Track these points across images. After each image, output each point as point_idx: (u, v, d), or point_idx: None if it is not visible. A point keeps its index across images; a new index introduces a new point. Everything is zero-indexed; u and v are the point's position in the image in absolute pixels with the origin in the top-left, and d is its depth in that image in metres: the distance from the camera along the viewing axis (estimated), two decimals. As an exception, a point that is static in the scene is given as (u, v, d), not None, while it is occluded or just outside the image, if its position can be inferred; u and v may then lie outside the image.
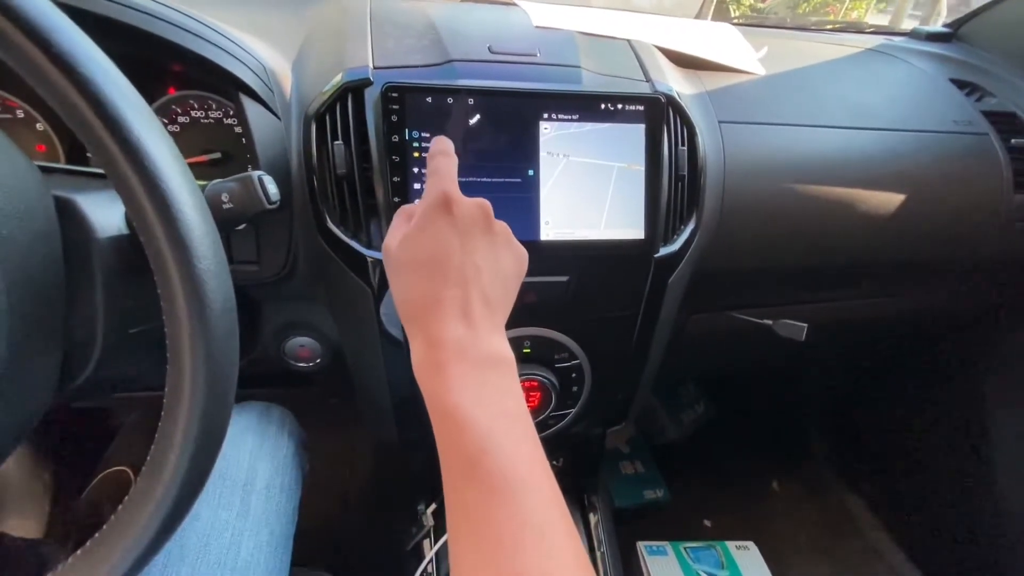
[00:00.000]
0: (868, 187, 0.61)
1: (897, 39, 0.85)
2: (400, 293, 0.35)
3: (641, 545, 0.90)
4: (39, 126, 0.50)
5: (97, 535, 0.28)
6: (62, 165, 0.48)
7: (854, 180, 0.61)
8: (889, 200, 0.62)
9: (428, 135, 0.45)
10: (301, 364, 0.58)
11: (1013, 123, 0.70)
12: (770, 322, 0.63)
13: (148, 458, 0.27)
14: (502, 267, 0.36)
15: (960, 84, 0.73)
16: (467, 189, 0.46)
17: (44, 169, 0.34)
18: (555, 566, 0.26)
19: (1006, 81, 0.75)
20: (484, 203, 0.36)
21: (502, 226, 0.37)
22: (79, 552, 0.28)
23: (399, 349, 0.52)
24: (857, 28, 0.98)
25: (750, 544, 0.92)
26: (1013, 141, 0.67)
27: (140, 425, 0.83)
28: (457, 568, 0.28)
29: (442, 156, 0.38)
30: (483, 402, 0.30)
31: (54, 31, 0.23)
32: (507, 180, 0.47)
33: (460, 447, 0.29)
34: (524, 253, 0.38)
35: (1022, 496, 0.83)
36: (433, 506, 0.64)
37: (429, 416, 0.31)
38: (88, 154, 0.51)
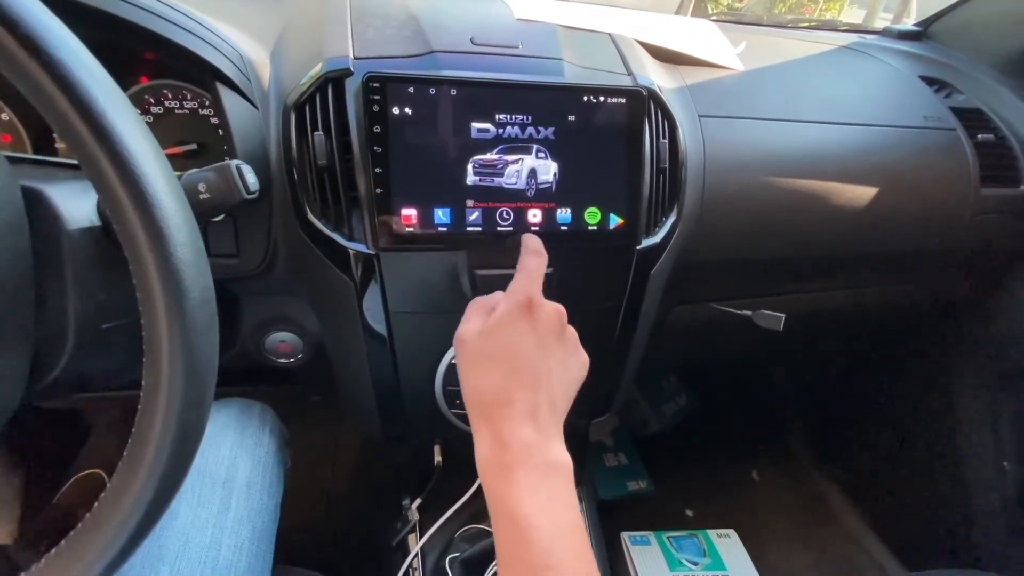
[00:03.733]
0: (842, 180, 0.62)
1: (869, 37, 0.87)
2: (471, 383, 0.36)
3: (625, 536, 0.91)
4: (3, 115, 0.48)
5: (71, 534, 0.27)
6: (29, 155, 0.47)
7: (829, 174, 0.62)
8: (862, 193, 0.63)
9: (410, 126, 0.45)
10: (282, 360, 0.57)
11: (980, 119, 0.72)
12: (749, 313, 0.64)
13: (124, 454, 0.27)
14: (569, 373, 0.37)
15: (930, 81, 0.75)
16: (449, 181, 0.46)
17: (10, 159, 0.32)
18: None
19: (973, 78, 0.78)
20: (561, 310, 0.38)
21: (572, 333, 0.39)
22: (52, 552, 0.27)
23: (382, 344, 0.52)
24: (831, 26, 1.01)
25: (731, 532, 0.94)
26: (979, 137, 0.70)
27: (114, 426, 0.80)
28: None
29: (534, 256, 0.40)
30: (548, 512, 0.31)
31: (21, 11, 0.22)
32: (489, 172, 0.47)
33: (525, 554, 0.30)
34: (587, 360, 0.39)
35: (990, 481, 0.86)
36: (418, 501, 0.64)
37: (490, 516, 0.32)
38: (56, 144, 0.49)
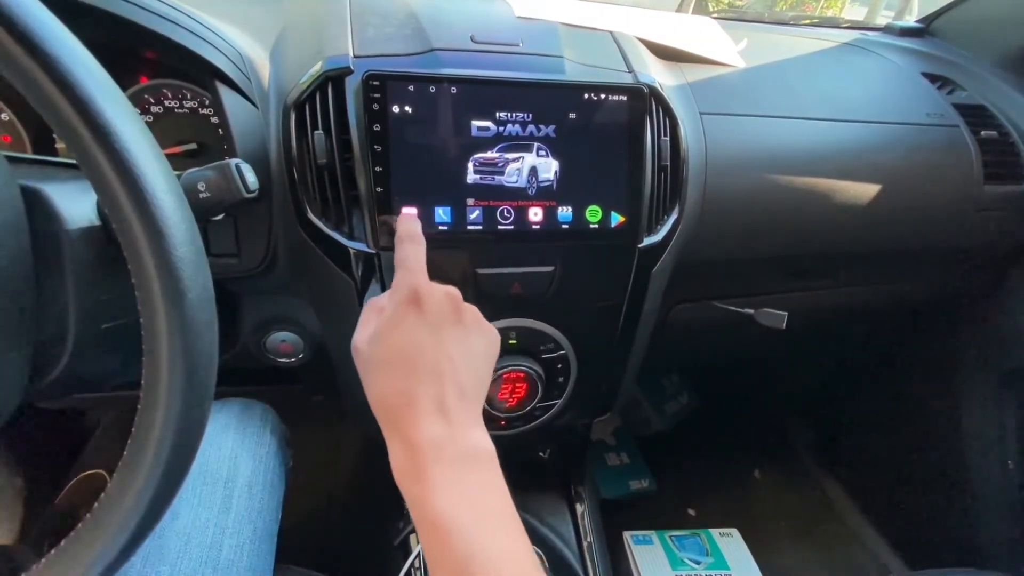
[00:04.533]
0: (844, 178, 0.62)
1: (871, 34, 0.87)
2: (373, 393, 0.34)
3: (627, 535, 0.91)
4: (3, 115, 0.48)
5: (72, 534, 0.27)
6: (29, 155, 0.47)
7: (831, 171, 0.62)
8: (865, 191, 0.63)
9: (411, 124, 0.45)
10: (283, 360, 0.57)
11: (982, 115, 0.72)
12: (751, 311, 0.64)
13: (124, 454, 0.27)
14: (474, 355, 0.36)
15: (932, 78, 0.75)
16: (449, 180, 0.46)
17: (10, 159, 0.32)
18: None
19: (975, 75, 0.78)
20: (452, 291, 0.36)
21: (471, 310, 0.37)
22: (53, 552, 0.27)
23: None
24: (833, 23, 1.00)
25: (733, 531, 0.94)
26: (983, 133, 0.69)
27: (116, 426, 0.81)
28: None
29: (409, 243, 0.38)
30: (466, 503, 0.30)
31: (19, 10, 0.22)
32: (490, 170, 0.47)
33: (446, 554, 0.28)
34: (495, 334, 0.38)
35: (994, 479, 0.86)
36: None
37: (414, 524, 0.31)
38: (56, 144, 0.49)
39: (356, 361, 0.36)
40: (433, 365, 0.33)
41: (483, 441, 0.33)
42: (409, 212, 0.44)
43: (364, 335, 0.35)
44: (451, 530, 0.29)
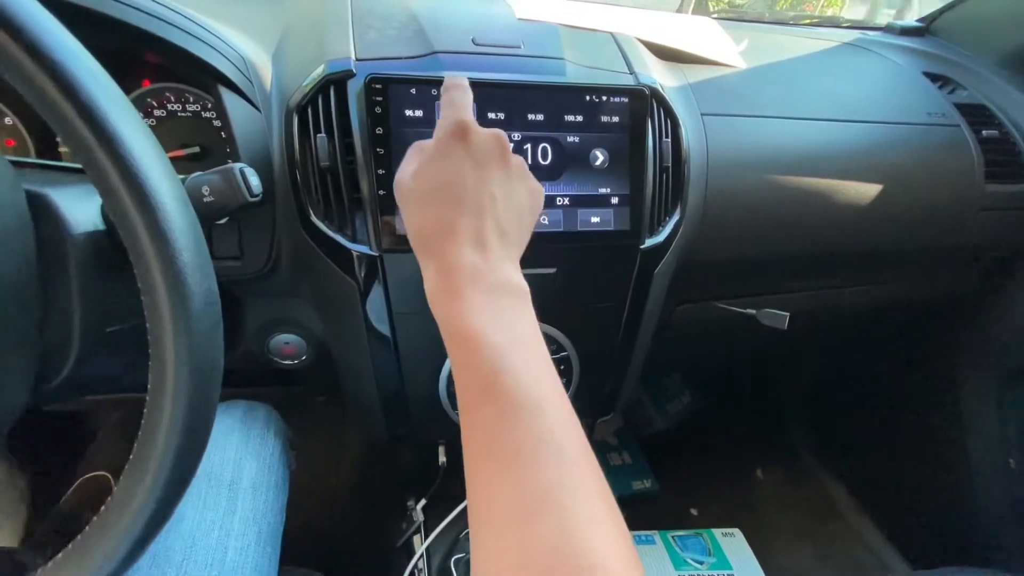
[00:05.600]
0: (846, 178, 0.62)
1: (872, 33, 0.87)
2: (413, 223, 0.34)
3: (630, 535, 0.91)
4: (7, 120, 0.48)
5: (79, 537, 0.27)
6: (33, 159, 0.47)
7: (832, 171, 0.62)
8: (866, 190, 0.63)
9: (413, 127, 0.45)
10: (286, 362, 0.57)
11: (984, 115, 0.72)
12: (753, 311, 0.64)
13: (131, 457, 0.27)
14: (517, 199, 0.35)
15: (933, 77, 0.75)
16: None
17: (14, 164, 0.33)
18: (573, 479, 0.26)
19: (976, 74, 0.78)
20: (500, 134, 0.35)
21: (518, 160, 0.36)
22: (60, 555, 0.27)
23: (386, 345, 0.52)
24: (833, 23, 1.00)
25: (735, 531, 0.94)
26: (984, 132, 0.69)
27: (120, 428, 0.81)
28: (474, 485, 0.27)
29: (456, 88, 0.37)
30: (498, 325, 0.30)
31: (24, 16, 0.22)
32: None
33: (476, 367, 0.29)
34: (540, 188, 0.38)
35: (996, 478, 0.86)
36: (423, 502, 0.64)
37: (443, 341, 0.31)
38: (60, 149, 0.50)
39: (397, 195, 0.36)
40: (475, 198, 0.33)
41: (518, 278, 0.33)
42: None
43: (408, 170, 0.35)
44: (480, 346, 0.29)
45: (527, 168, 0.37)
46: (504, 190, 0.34)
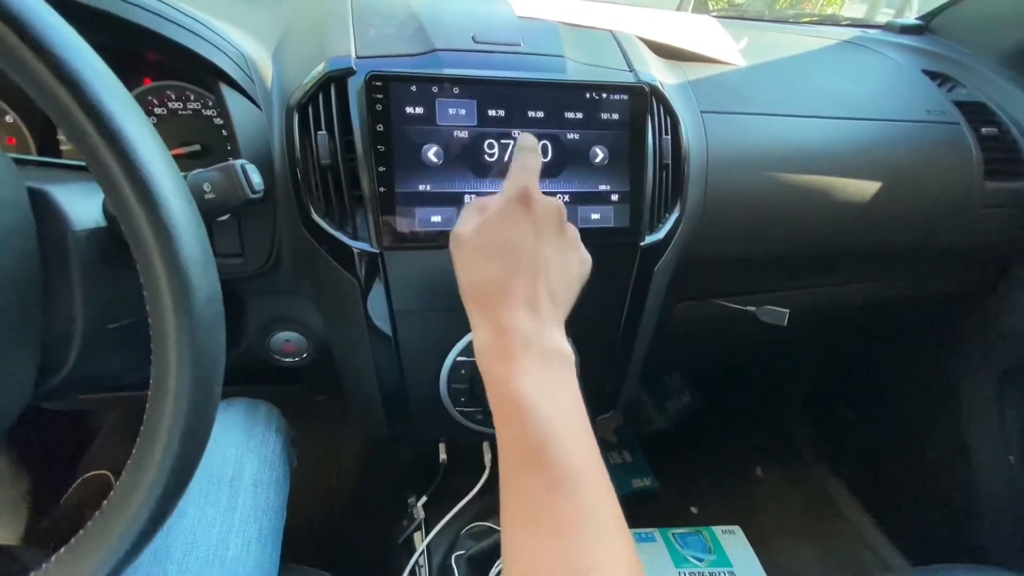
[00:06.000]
0: (845, 175, 0.62)
1: (872, 32, 0.87)
2: (469, 277, 0.36)
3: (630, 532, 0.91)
4: (8, 118, 0.48)
5: (81, 532, 0.27)
6: (35, 157, 0.47)
7: (832, 168, 0.62)
8: (866, 188, 0.63)
9: (413, 125, 0.45)
10: (287, 359, 0.57)
11: (983, 113, 0.72)
12: (753, 309, 0.64)
13: (133, 452, 0.27)
14: (568, 267, 0.37)
15: (932, 75, 0.75)
16: (452, 179, 0.46)
17: (17, 161, 0.33)
18: (611, 557, 0.27)
19: (976, 72, 0.78)
20: (560, 205, 0.37)
21: (572, 230, 0.38)
22: (62, 551, 0.27)
23: (387, 342, 0.52)
24: (833, 21, 1.00)
25: (736, 529, 0.94)
26: (983, 130, 0.69)
27: (121, 427, 0.81)
28: (513, 553, 0.28)
29: (529, 152, 0.39)
30: (547, 393, 0.31)
31: (28, 14, 0.22)
32: (493, 171, 0.47)
33: (524, 435, 0.29)
34: (589, 259, 0.39)
35: (996, 475, 0.86)
36: (424, 499, 0.64)
37: (489, 403, 0.32)
38: (61, 147, 0.50)
39: (455, 249, 0.37)
40: (532, 263, 0.34)
41: (565, 345, 0.34)
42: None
43: (469, 226, 0.36)
44: (531, 412, 0.30)
45: (579, 237, 0.39)
46: (558, 256, 0.36)
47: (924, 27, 0.89)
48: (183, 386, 0.26)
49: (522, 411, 0.30)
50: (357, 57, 0.47)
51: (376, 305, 0.50)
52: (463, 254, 0.36)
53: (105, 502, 0.27)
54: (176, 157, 0.49)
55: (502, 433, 0.31)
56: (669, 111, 0.53)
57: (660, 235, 0.53)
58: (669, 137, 0.53)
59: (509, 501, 0.29)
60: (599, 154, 0.50)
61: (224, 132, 0.50)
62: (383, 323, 0.51)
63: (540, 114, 0.48)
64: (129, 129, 0.24)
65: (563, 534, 0.27)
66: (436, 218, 0.46)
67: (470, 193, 0.47)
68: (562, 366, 0.33)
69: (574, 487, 0.28)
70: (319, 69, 0.46)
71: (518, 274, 0.34)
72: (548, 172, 0.48)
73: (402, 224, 0.46)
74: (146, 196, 0.24)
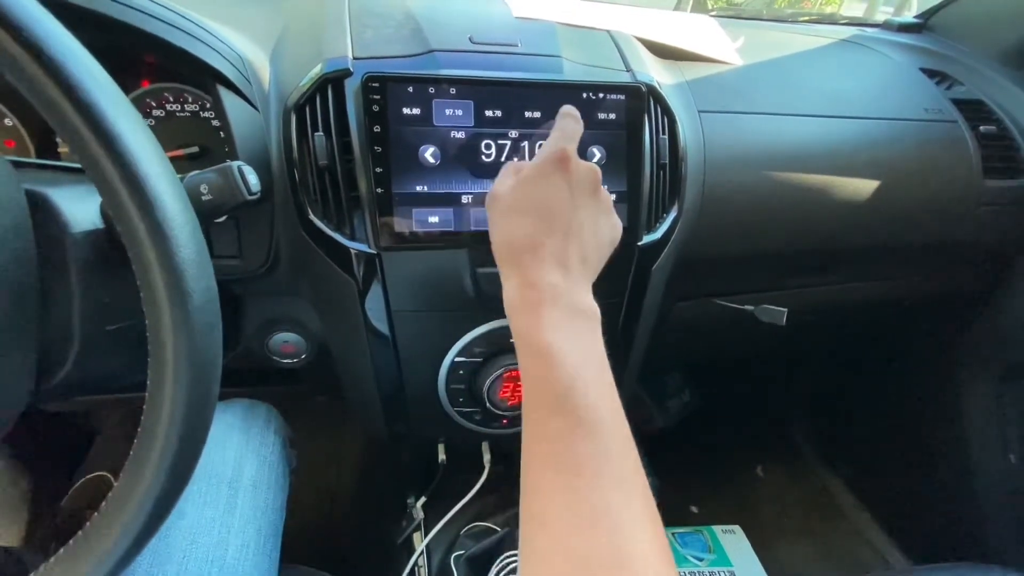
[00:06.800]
0: (844, 174, 0.62)
1: (870, 30, 0.87)
2: (502, 235, 0.36)
3: (630, 532, 0.91)
4: (7, 121, 0.48)
5: (79, 534, 0.27)
6: (33, 159, 0.47)
7: (830, 167, 0.62)
8: (864, 186, 0.63)
9: (410, 126, 0.45)
10: (286, 360, 0.57)
11: (981, 110, 0.72)
12: (752, 308, 0.64)
13: (131, 453, 0.27)
14: (600, 231, 0.37)
15: (930, 73, 0.75)
16: (449, 180, 0.46)
17: (14, 163, 0.33)
18: (629, 500, 0.27)
19: (973, 70, 0.78)
20: (596, 169, 0.37)
21: (606, 195, 0.39)
22: (61, 552, 0.27)
23: (385, 343, 0.52)
24: (831, 20, 1.00)
25: (736, 528, 0.94)
26: (981, 128, 0.69)
27: (120, 429, 0.81)
28: (534, 490, 0.29)
29: (570, 118, 0.40)
30: (574, 345, 0.31)
31: (24, 16, 0.22)
32: (490, 171, 0.47)
33: (549, 381, 0.30)
34: (620, 225, 0.40)
35: (996, 474, 0.86)
36: (423, 499, 0.64)
37: (516, 352, 0.33)
38: (59, 149, 0.50)
39: (491, 207, 0.37)
40: (565, 223, 0.35)
41: (593, 304, 0.34)
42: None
43: (505, 184, 0.37)
44: (556, 361, 0.30)
45: (612, 204, 0.39)
46: (591, 219, 0.37)
47: (922, 25, 0.89)
48: (180, 387, 0.26)
49: (548, 358, 0.30)
50: (354, 58, 0.47)
51: (374, 306, 0.50)
52: (497, 211, 0.37)
53: (103, 504, 0.27)
54: (174, 159, 0.50)
55: (526, 380, 0.32)
56: (666, 111, 0.53)
57: (658, 235, 0.53)
58: (666, 137, 0.53)
59: (531, 441, 0.30)
60: (596, 154, 0.50)
61: (222, 134, 0.51)
62: (381, 324, 0.51)
63: (537, 114, 0.48)
64: (124, 130, 0.24)
65: (582, 474, 0.27)
66: (433, 219, 0.46)
67: (467, 194, 0.47)
68: (590, 322, 0.33)
69: (596, 432, 0.28)
70: (316, 70, 0.46)
71: (551, 233, 0.34)
72: (545, 172, 0.48)
73: (399, 225, 0.46)
74: (141, 197, 0.24)
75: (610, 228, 0.39)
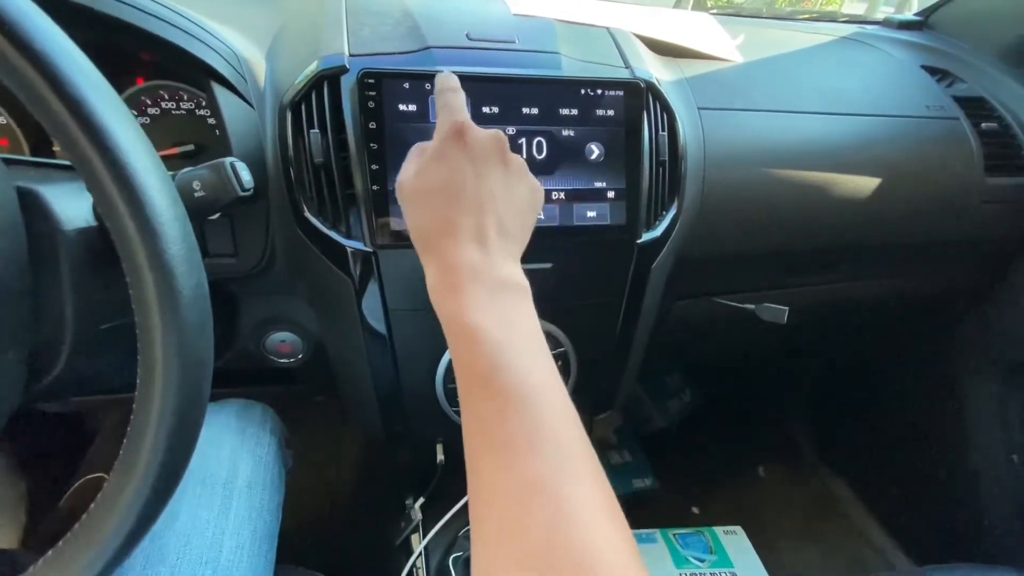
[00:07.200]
0: (844, 171, 0.62)
1: (870, 27, 0.87)
2: (415, 221, 0.35)
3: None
4: (1, 119, 0.48)
5: (68, 535, 0.27)
6: (25, 157, 0.47)
7: (831, 165, 0.61)
8: (865, 184, 0.63)
9: (407, 122, 0.45)
10: (282, 360, 0.57)
11: (982, 107, 0.71)
12: (752, 306, 0.64)
13: (120, 453, 0.27)
14: (517, 197, 0.36)
15: (931, 70, 0.74)
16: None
17: (6, 161, 0.32)
18: (568, 467, 0.26)
19: (975, 67, 0.77)
20: (499, 135, 0.36)
21: (517, 159, 0.37)
22: (50, 553, 0.27)
23: (382, 342, 0.52)
24: (831, 18, 1.00)
25: (738, 529, 0.94)
26: (983, 125, 0.69)
27: (118, 429, 0.80)
28: (473, 477, 0.28)
29: (449, 91, 0.38)
30: (497, 320, 0.30)
31: (12, 11, 0.22)
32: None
33: (475, 362, 0.29)
34: (539, 187, 0.38)
35: (1000, 474, 0.86)
36: (421, 500, 0.64)
37: (445, 336, 0.32)
38: (54, 148, 0.50)
39: (399, 195, 0.37)
40: (474, 197, 0.34)
41: (518, 275, 0.33)
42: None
43: (410, 170, 0.36)
44: (481, 340, 0.29)
45: (526, 166, 0.38)
46: (504, 188, 0.35)
47: (923, 23, 0.89)
48: (169, 387, 0.26)
49: (471, 338, 0.30)
50: (350, 55, 0.46)
51: (370, 304, 0.49)
52: (406, 200, 0.36)
53: (92, 504, 0.27)
54: (169, 157, 0.49)
55: (457, 366, 0.31)
56: (665, 107, 0.53)
57: (657, 232, 0.53)
58: (666, 134, 0.53)
59: (467, 429, 0.29)
60: (595, 151, 0.49)
61: (217, 132, 0.50)
62: (378, 322, 0.50)
63: (535, 111, 0.47)
64: (112, 126, 0.24)
65: (516, 450, 0.26)
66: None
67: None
68: (516, 295, 0.32)
69: (526, 406, 0.27)
70: (312, 67, 0.46)
71: (462, 210, 0.33)
72: (543, 169, 0.48)
73: (396, 223, 0.45)
74: (130, 194, 0.24)
75: (528, 191, 0.37)
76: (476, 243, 0.33)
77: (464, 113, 0.37)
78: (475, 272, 0.32)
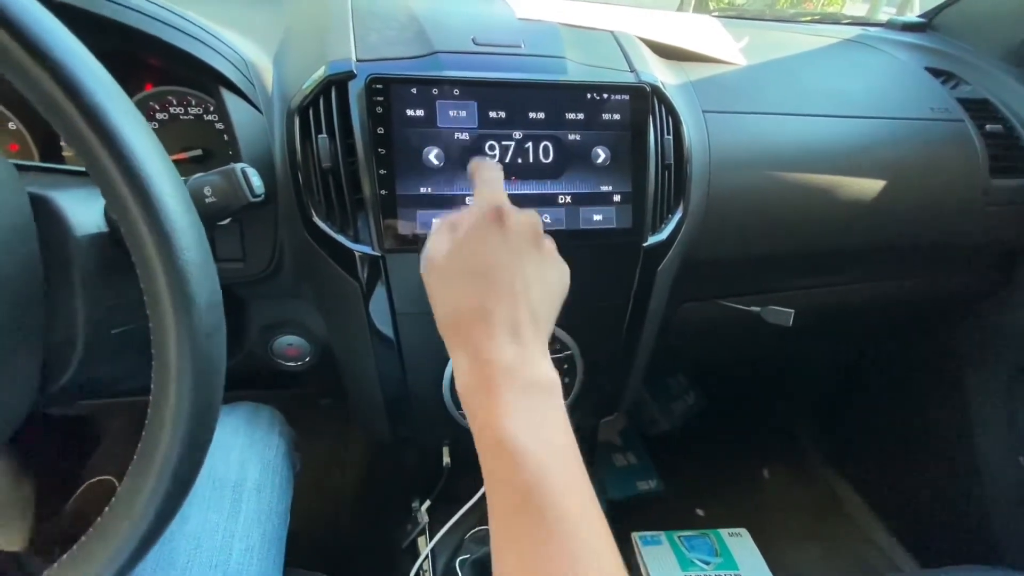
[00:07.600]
0: (849, 174, 0.62)
1: (873, 29, 0.87)
2: (444, 304, 0.33)
3: (636, 536, 0.90)
4: (11, 125, 0.48)
5: (82, 539, 0.27)
6: (37, 163, 0.47)
7: (835, 167, 0.61)
8: (870, 186, 0.63)
9: (414, 127, 0.45)
10: (290, 363, 0.57)
11: (987, 109, 0.71)
12: (758, 309, 0.64)
13: (135, 457, 0.27)
14: (549, 284, 0.35)
15: (935, 72, 0.74)
16: (453, 182, 0.45)
17: (18, 167, 0.33)
18: None
19: (979, 69, 0.77)
20: (535, 218, 0.35)
21: (549, 242, 0.36)
22: (64, 557, 0.27)
23: (389, 346, 0.52)
24: (834, 20, 1.00)
25: (743, 531, 0.93)
26: (988, 127, 0.69)
27: (125, 432, 0.81)
28: None
29: (488, 167, 0.38)
30: (536, 433, 0.29)
31: (28, 19, 0.22)
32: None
33: (513, 479, 0.28)
34: (567, 269, 0.37)
35: (1005, 475, 0.85)
36: (428, 503, 0.64)
37: (475, 441, 0.31)
38: (63, 153, 0.50)
39: (427, 273, 0.35)
40: (510, 284, 0.32)
41: (551, 372, 0.32)
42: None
43: (440, 247, 0.34)
44: (519, 455, 0.28)
45: (556, 250, 0.37)
46: (537, 273, 0.34)
47: (926, 24, 0.89)
48: (184, 391, 0.26)
49: (508, 451, 0.28)
50: (358, 60, 0.47)
51: (378, 308, 0.49)
52: (436, 278, 0.34)
53: (107, 508, 0.27)
54: (178, 162, 0.50)
55: (487, 473, 0.29)
56: (671, 111, 0.53)
57: (663, 236, 0.53)
58: (671, 137, 0.53)
59: (500, 545, 0.28)
60: (601, 155, 0.49)
61: (225, 137, 0.51)
62: (385, 326, 0.50)
63: (541, 115, 0.48)
64: (128, 133, 0.24)
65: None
66: (437, 221, 0.46)
67: (471, 195, 0.47)
68: (548, 395, 0.31)
69: (565, 532, 0.26)
70: (320, 72, 0.46)
71: (498, 299, 0.32)
72: (550, 173, 0.48)
73: (403, 227, 0.46)
74: (145, 200, 0.24)
75: (559, 276, 0.36)
76: (510, 336, 0.31)
77: (503, 193, 0.36)
78: (510, 371, 0.30)
